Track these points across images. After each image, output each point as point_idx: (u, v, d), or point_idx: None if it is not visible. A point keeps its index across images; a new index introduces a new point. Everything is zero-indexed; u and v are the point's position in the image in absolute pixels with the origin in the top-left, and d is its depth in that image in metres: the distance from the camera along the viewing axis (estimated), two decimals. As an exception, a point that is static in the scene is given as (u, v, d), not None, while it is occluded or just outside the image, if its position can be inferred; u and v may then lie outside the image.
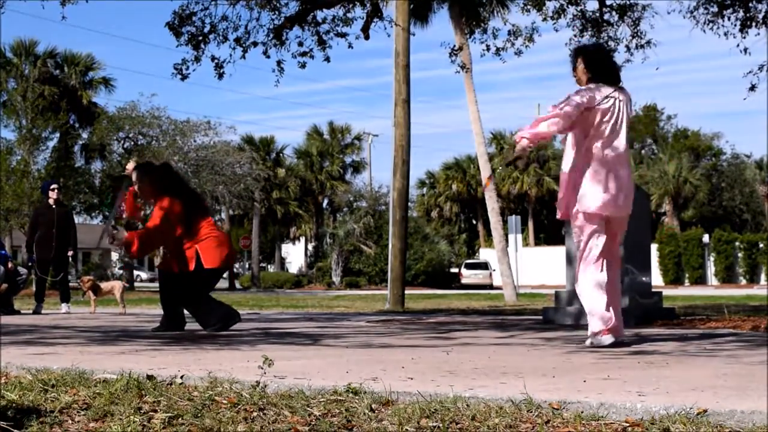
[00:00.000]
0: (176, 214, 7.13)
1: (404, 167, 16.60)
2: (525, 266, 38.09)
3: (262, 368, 3.36)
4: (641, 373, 3.82)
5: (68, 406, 2.98)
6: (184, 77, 10.22)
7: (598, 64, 5.76)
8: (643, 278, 9.32)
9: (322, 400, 3.04)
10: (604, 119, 5.57)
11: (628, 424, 2.64)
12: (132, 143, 34.38)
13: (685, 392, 3.11)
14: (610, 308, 5.45)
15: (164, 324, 7.18)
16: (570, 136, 5.67)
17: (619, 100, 5.65)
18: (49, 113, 31.58)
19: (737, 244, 46.50)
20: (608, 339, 5.40)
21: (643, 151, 61.99)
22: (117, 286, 12.00)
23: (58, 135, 33.46)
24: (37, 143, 31.10)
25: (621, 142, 5.61)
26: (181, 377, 3.55)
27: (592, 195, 5.51)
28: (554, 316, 8.54)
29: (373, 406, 2.93)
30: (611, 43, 11.13)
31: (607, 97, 5.60)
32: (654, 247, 43.94)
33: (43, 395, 3.18)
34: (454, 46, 12.67)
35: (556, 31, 10.99)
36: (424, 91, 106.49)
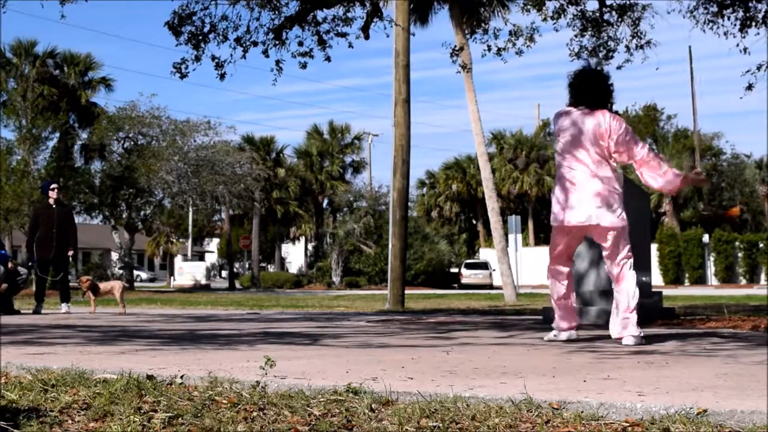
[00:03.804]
0: None
1: (404, 167, 16.60)
2: (525, 266, 38.03)
3: (263, 369, 3.35)
4: (641, 373, 3.82)
5: (68, 406, 2.98)
6: (183, 76, 10.21)
7: None
8: (643, 278, 9.31)
9: (322, 400, 3.04)
10: None
11: (628, 424, 2.64)
12: (132, 143, 34.36)
13: (685, 392, 3.10)
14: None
15: None
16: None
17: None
18: (48, 113, 31.56)
19: (737, 244, 46.50)
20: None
21: (643, 151, 61.87)
22: (116, 286, 11.98)
23: (58, 135, 33.46)
24: (37, 143, 31.07)
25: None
26: (181, 377, 3.54)
27: None
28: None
29: (373, 406, 2.93)
30: (611, 43, 11.13)
31: None
32: (654, 247, 43.94)
33: (43, 395, 3.18)
34: (455, 46, 12.67)
35: (556, 31, 11.00)
36: (424, 91, 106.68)
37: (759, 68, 11.00)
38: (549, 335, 6.09)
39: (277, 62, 10.29)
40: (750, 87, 11.01)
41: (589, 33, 11.09)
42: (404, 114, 16.63)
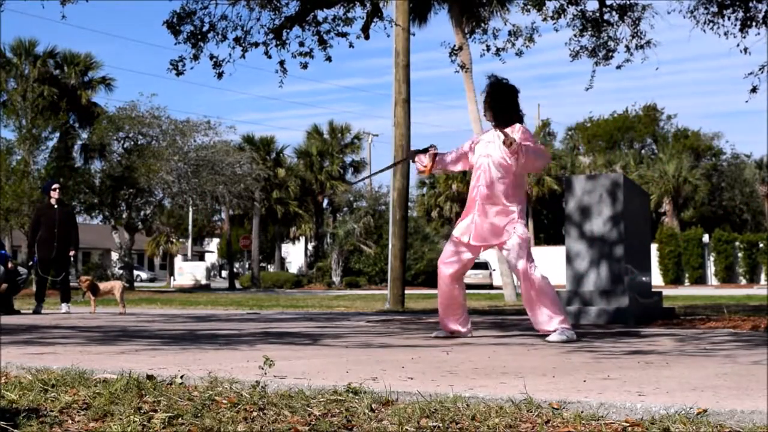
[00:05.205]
0: None
1: (404, 167, 16.59)
2: (525, 266, 37.95)
3: (263, 369, 3.35)
4: (641, 373, 3.82)
5: (68, 406, 2.98)
6: (179, 73, 10.19)
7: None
8: (643, 278, 9.32)
9: (322, 400, 3.04)
10: None
11: (628, 424, 2.64)
12: (132, 143, 34.36)
13: (685, 392, 3.10)
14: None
15: None
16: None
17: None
18: (48, 113, 31.55)
19: (737, 244, 46.50)
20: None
21: (643, 151, 61.99)
22: (116, 286, 11.98)
23: (58, 135, 33.44)
24: (37, 143, 31.06)
25: None
26: (181, 377, 3.54)
27: None
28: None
29: (373, 406, 2.93)
30: (611, 43, 11.13)
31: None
32: (654, 247, 43.93)
33: (43, 395, 3.18)
34: (454, 46, 12.66)
35: (556, 31, 10.99)
36: (424, 91, 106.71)
37: (761, 69, 11.00)
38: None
39: (281, 63, 10.29)
40: (754, 89, 11.01)
41: (589, 33, 11.09)
42: (404, 114, 16.63)
